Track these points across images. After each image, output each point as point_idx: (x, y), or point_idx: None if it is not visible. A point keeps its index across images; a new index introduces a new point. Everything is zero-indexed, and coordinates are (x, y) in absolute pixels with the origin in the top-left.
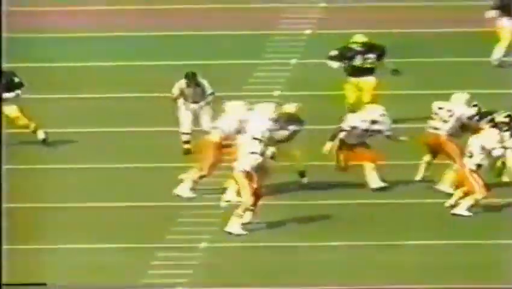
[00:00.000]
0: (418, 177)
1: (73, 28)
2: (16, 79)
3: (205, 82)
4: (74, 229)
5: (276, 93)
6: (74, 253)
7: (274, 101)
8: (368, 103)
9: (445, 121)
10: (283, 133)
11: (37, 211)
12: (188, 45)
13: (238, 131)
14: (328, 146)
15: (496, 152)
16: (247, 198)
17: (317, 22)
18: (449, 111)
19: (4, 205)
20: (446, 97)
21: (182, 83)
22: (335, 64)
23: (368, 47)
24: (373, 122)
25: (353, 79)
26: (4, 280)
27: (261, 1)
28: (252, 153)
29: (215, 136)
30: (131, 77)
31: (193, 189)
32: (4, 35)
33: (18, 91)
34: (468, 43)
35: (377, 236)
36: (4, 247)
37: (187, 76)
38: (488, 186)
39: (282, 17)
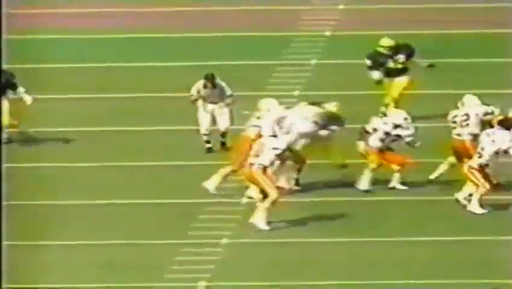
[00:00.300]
0: (433, 176)
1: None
2: (13, 81)
3: (223, 84)
4: (99, 226)
5: (296, 93)
6: (98, 249)
7: (294, 101)
8: (396, 103)
9: (464, 127)
10: (324, 133)
11: (56, 208)
12: (209, 46)
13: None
14: (362, 145)
15: None
16: (273, 192)
17: (336, 24)
18: (464, 115)
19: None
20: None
21: (200, 84)
22: (375, 74)
23: (395, 49)
24: (396, 126)
25: (387, 80)
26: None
27: (282, 3)
28: (273, 148)
29: (251, 133)
30: (153, 78)
31: (218, 186)
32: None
33: (23, 89)
34: (493, 44)
35: (393, 233)
36: (24, 243)
37: (206, 78)
38: (493, 184)
39: (302, 19)
